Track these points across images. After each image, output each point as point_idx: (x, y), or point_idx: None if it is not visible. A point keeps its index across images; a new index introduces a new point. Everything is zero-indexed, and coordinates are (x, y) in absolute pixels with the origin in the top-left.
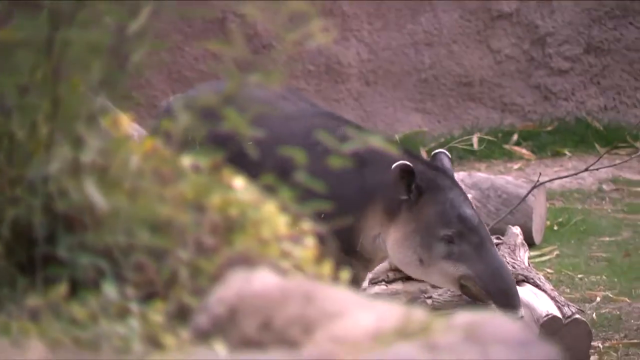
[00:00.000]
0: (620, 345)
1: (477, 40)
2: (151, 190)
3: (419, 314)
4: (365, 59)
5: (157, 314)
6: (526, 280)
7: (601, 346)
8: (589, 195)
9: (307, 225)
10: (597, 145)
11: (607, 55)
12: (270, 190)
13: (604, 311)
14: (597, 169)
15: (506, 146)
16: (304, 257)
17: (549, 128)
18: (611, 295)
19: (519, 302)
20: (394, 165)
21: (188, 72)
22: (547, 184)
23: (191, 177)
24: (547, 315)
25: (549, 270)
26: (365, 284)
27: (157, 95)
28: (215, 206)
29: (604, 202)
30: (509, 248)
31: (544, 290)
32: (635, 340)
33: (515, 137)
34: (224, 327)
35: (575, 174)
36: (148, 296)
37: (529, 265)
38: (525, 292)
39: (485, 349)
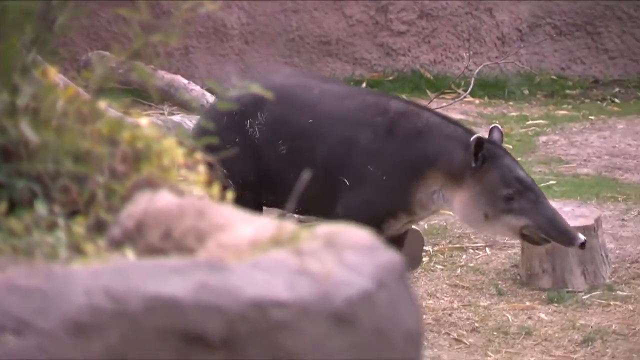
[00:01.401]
0: (446, 249)
1: (333, 8)
2: (74, 127)
3: (289, 226)
4: (245, 23)
5: (80, 227)
6: None
7: (431, 250)
8: None
9: (199, 155)
10: (428, 92)
11: (436, 20)
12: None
13: (433, 222)
14: None
15: None
16: (197, 181)
17: (391, 78)
18: None
19: (576, 233)
20: (472, 138)
21: (103, 32)
22: None
23: (106, 116)
24: None
25: None
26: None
27: (78, 51)
28: (125, 140)
29: None
30: None
31: None
32: (458, 245)
33: (364, 85)
34: (133, 237)
35: None
36: (72, 213)
37: None
38: None
39: (341, 253)
